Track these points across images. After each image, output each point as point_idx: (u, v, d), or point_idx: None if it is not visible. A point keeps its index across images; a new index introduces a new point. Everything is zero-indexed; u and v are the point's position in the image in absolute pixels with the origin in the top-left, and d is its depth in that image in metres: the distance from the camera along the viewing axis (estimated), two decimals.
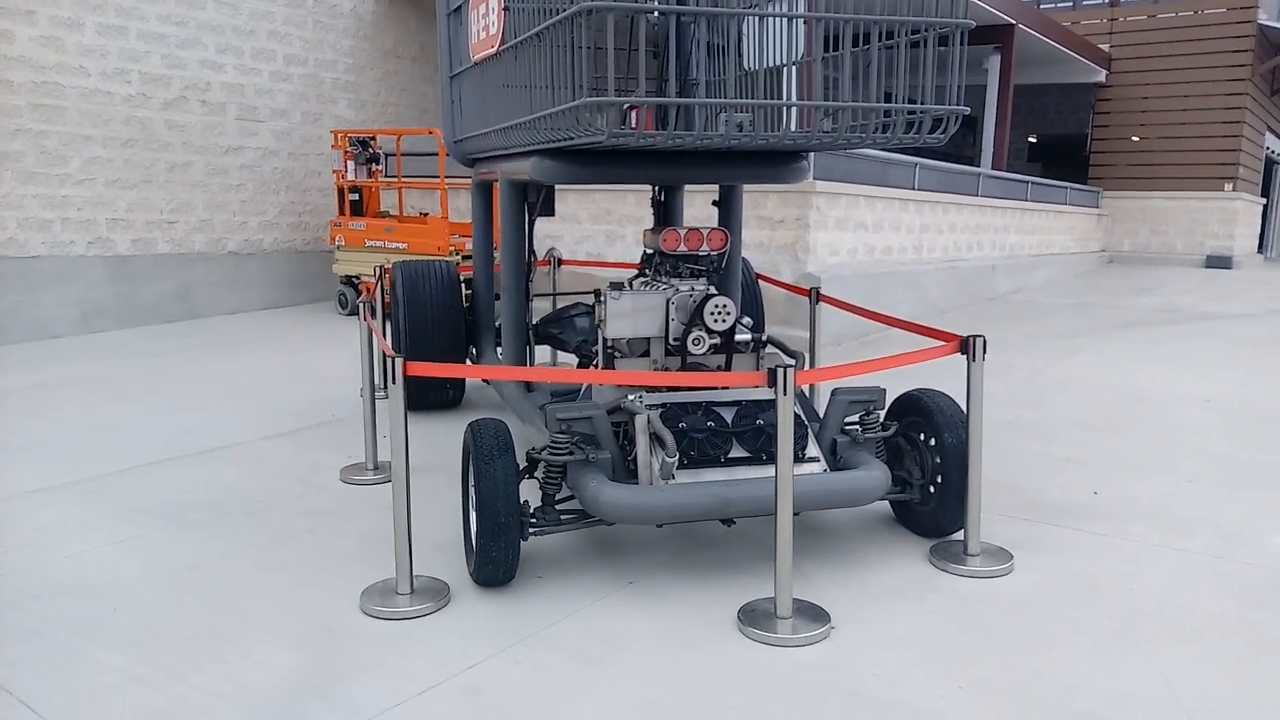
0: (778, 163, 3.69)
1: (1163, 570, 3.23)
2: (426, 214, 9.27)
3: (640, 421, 3.10)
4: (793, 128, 3.27)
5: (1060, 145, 21.37)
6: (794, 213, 7.47)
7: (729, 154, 3.63)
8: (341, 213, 9.11)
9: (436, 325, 5.11)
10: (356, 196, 9.16)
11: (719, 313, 3.42)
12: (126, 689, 2.45)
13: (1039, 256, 12.72)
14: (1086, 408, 5.63)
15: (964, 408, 3.29)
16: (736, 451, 3.19)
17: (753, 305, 5.61)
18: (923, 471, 3.43)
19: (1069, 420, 5.32)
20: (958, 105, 2.87)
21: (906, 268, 8.89)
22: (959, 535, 3.33)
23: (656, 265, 3.74)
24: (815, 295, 4.76)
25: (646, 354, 3.58)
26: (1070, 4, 17.42)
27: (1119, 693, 2.44)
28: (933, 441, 3.39)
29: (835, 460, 3.35)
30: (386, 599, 2.91)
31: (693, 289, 3.55)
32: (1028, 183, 12.41)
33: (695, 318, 3.43)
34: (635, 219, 8.42)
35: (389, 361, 2.85)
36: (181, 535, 3.54)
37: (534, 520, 3.09)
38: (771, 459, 3.18)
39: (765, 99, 3.37)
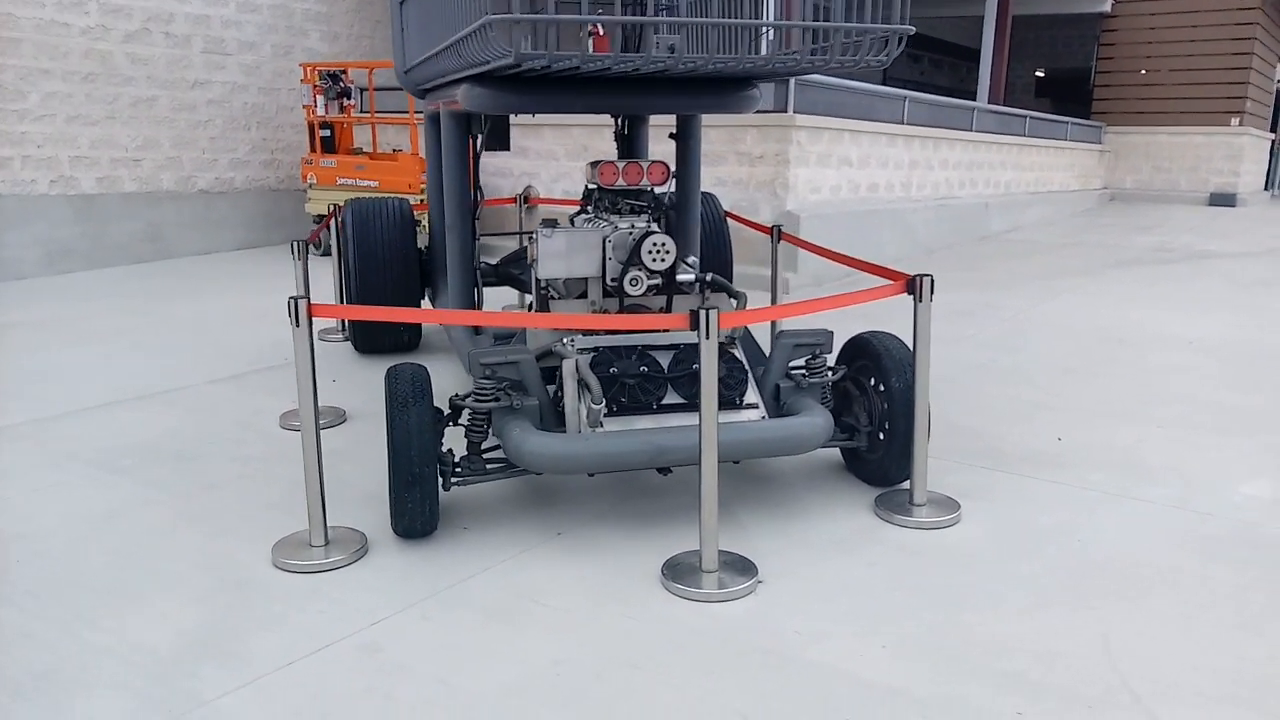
0: (724, 90, 3.47)
1: (1118, 521, 3.10)
2: (399, 150, 9.01)
3: (568, 367, 2.95)
4: (717, 50, 3.04)
5: (1069, 80, 20.83)
6: (773, 148, 7.21)
7: (674, 81, 3.42)
8: (313, 150, 8.86)
9: (387, 265, 4.94)
10: (328, 133, 8.91)
11: (657, 251, 3.23)
12: (12, 645, 2.34)
13: (1036, 194, 12.42)
14: (1066, 351, 5.46)
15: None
16: (671, 398, 3.04)
17: (719, 244, 5.41)
18: (870, 418, 3.28)
19: (1046, 364, 5.16)
20: (901, 24, 2.65)
21: (894, 205, 8.64)
22: (908, 485, 3.19)
23: (596, 201, 3.54)
24: (777, 234, 4.57)
25: (585, 295, 3.41)
26: None
27: (1050, 652, 2.31)
28: (881, 387, 3.23)
29: (779, 406, 3.20)
30: (298, 551, 2.79)
31: (632, 226, 3.36)
32: (1025, 117, 12.05)
33: (633, 257, 3.25)
34: (613, 154, 8.16)
35: (294, 303, 2.69)
36: (108, 482, 3.42)
37: (458, 470, 2.96)
38: None
39: (712, 18, 3.14)
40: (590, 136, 8.30)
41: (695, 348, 3.10)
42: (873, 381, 3.30)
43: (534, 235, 3.26)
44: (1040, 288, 7.60)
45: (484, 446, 3.02)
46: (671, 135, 4.44)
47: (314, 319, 2.76)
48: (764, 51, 2.75)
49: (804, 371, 3.24)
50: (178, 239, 8.88)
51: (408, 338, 5.21)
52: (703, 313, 2.51)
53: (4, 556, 2.83)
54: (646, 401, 3.00)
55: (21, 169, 7.76)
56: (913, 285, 3.00)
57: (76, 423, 4.08)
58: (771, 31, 3.41)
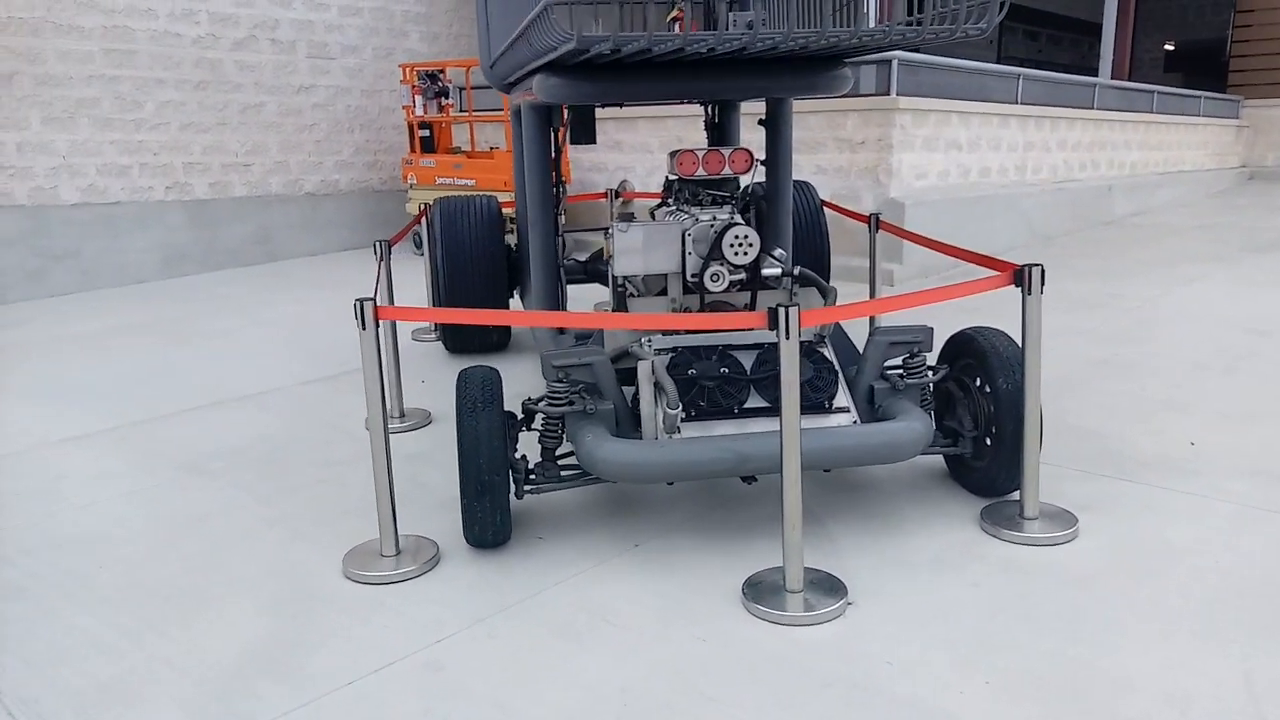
0: (811, 71, 3.24)
1: (1261, 541, 2.75)
2: (495, 148, 9.03)
3: (643, 369, 2.79)
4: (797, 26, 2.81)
5: (1202, 52, 19.49)
6: (875, 133, 6.89)
7: (756, 62, 3.21)
8: (413, 150, 8.96)
9: (474, 264, 4.88)
10: (427, 133, 8.99)
11: (739, 244, 3.04)
12: (83, 655, 2.34)
13: (1165, 175, 11.61)
14: (1196, 343, 5.00)
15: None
16: (755, 401, 2.85)
17: (815, 235, 5.16)
18: (975, 422, 3.02)
19: (1175, 358, 4.73)
20: None
21: (1007, 190, 8.17)
22: (1017, 495, 2.92)
23: (676, 193, 3.37)
24: (875, 223, 4.30)
25: (665, 292, 3.24)
26: None
27: (1182, 693, 2.04)
28: (987, 388, 2.96)
29: (873, 410, 2.97)
30: (369, 561, 2.73)
31: (714, 218, 3.18)
32: (1153, 93, 11.27)
33: (714, 251, 3.07)
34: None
35: (359, 306, 2.61)
36: (196, 485, 3.45)
37: (531, 477, 2.84)
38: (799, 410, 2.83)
39: None
40: (685, 128, 8.12)
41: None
42: (978, 382, 3.04)
43: (609, 230, 3.11)
44: (1169, 275, 7.04)
45: (559, 452, 2.90)
46: (761, 121, 4.24)
47: (383, 321, 2.67)
48: (853, 25, 2.53)
49: (901, 372, 3.00)
50: (286, 241, 9.12)
51: (497, 338, 5.15)
52: (782, 310, 2.32)
53: (90, 561, 2.86)
54: (728, 405, 2.82)
55: (139, 176, 8.08)
56: (1020, 276, 2.72)
57: (175, 425, 4.15)
58: (866, 4, 3.18)
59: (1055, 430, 3.70)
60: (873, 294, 4.45)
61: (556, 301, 4.14)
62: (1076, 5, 21.47)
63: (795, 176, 7.44)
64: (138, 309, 6.91)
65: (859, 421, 2.84)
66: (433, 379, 4.76)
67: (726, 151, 3.19)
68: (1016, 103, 8.33)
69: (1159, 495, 3.08)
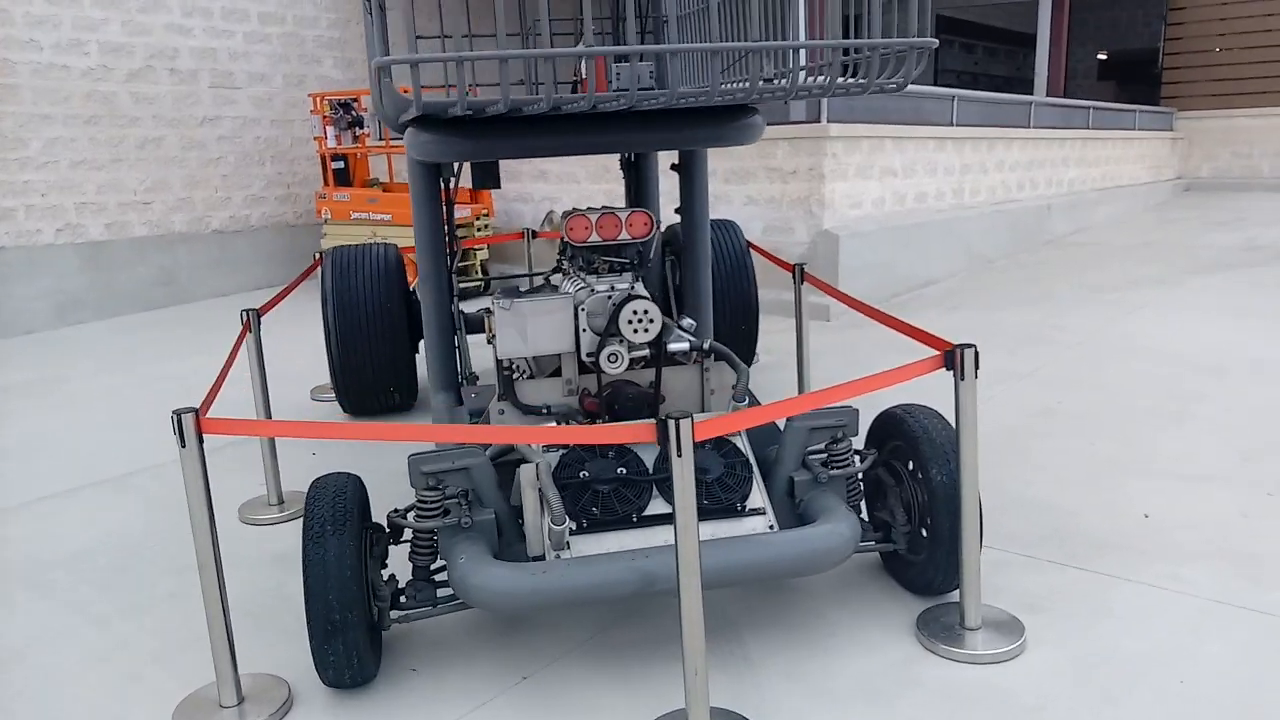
0: (717, 121, 2.89)
1: (1231, 646, 2.44)
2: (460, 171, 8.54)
3: (525, 474, 2.40)
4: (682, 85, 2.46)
5: (1135, 62, 19.68)
6: (806, 162, 6.59)
7: (661, 114, 2.86)
8: (326, 183, 8.49)
9: (370, 321, 4.46)
10: (341, 164, 8.52)
11: (639, 321, 2.67)
12: None
13: (1104, 190, 11.54)
14: (1146, 385, 4.75)
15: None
16: (660, 505, 2.48)
17: (740, 279, 4.83)
18: (909, 514, 2.68)
19: (1124, 405, 4.46)
20: (923, 37, 2.05)
21: (945, 215, 7.94)
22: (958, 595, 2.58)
23: (570, 258, 3.00)
24: (799, 274, 3.96)
25: (559, 372, 2.86)
26: None
27: None
28: (920, 474, 2.62)
29: (794, 505, 2.61)
30: (203, 714, 2.29)
31: (612, 288, 2.81)
32: (1089, 108, 11.19)
33: (612, 326, 2.70)
34: None
35: (177, 419, 2.18)
36: (26, 604, 2.98)
37: (402, 600, 2.44)
38: (706, 514, 2.47)
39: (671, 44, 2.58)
40: (611, 156, 7.76)
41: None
42: (910, 467, 2.70)
43: (489, 307, 2.73)
44: (1112, 303, 6.83)
45: (435, 569, 2.50)
46: (673, 167, 3.89)
47: (207, 434, 2.25)
48: (758, 78, 2.17)
49: (825, 458, 2.65)
50: (193, 282, 8.58)
51: (399, 398, 4.72)
52: (671, 423, 1.94)
53: None
54: (626, 513, 2.44)
55: (25, 219, 7.50)
56: (952, 359, 2.39)
57: (20, 521, 3.67)
58: (793, 57, 2.84)
59: (999, 502, 3.38)
60: (801, 350, 4.10)
61: (452, 362, 3.74)
62: (1012, 18, 21.62)
63: (724, 210, 7.14)
64: (15, 366, 6.34)
65: (775, 526, 2.48)
66: (325, 448, 4.32)
67: (623, 214, 2.82)
68: (952, 124, 8.11)
69: (1113, 588, 2.76)
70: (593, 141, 2.85)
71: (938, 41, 2.07)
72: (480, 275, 8.11)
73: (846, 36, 2.19)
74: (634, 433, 2.02)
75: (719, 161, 7.02)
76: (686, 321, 3.03)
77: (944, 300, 7.11)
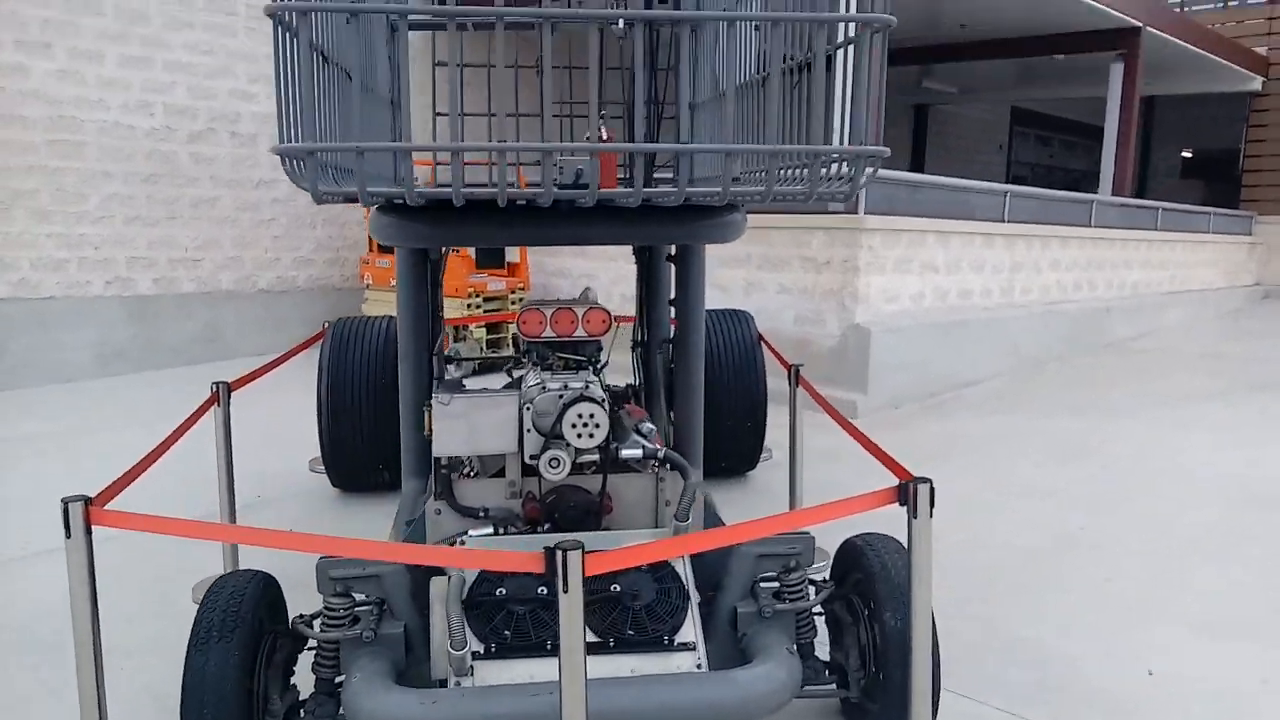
0: (697, 218, 2.75)
1: None
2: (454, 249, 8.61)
3: (436, 587, 2.23)
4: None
5: (1221, 160, 19.14)
6: (841, 253, 6.41)
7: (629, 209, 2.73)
8: (370, 249, 8.59)
9: (363, 397, 4.37)
10: None
11: (583, 425, 2.51)
12: None
13: (1172, 294, 11.06)
14: (1184, 514, 4.37)
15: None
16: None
17: (749, 372, 4.63)
18: (862, 657, 2.42)
19: (1157, 534, 4.10)
20: (872, 145, 1.89)
21: (991, 313, 7.64)
22: None
23: (526, 351, 2.86)
24: (794, 376, 3.76)
25: (504, 473, 2.70)
26: (1221, 4, 15.47)
27: None
28: (875, 615, 2.37)
29: (737, 639, 2.38)
30: None
31: (565, 387, 2.65)
32: (1157, 209, 10.79)
33: (557, 428, 2.54)
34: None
35: (66, 508, 2.08)
36: None
37: (301, 715, 2.27)
38: (629, 646, 2.26)
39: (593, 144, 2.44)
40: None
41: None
42: (873, 606, 2.45)
43: (430, 401, 2.59)
44: (1167, 417, 6.43)
45: (339, 681, 2.33)
46: (670, 259, 3.76)
47: (97, 527, 2.14)
48: (774, 180, 2.03)
49: (777, 589, 2.42)
50: (236, 339, 8.70)
51: (389, 476, 4.60)
52: (559, 554, 1.76)
53: None
54: (539, 640, 2.24)
55: (77, 271, 7.72)
56: (905, 493, 2.16)
57: None
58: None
59: (988, 643, 3.08)
60: (794, 462, 3.86)
61: (425, 447, 3.61)
62: (1092, 112, 21.31)
63: (758, 297, 6.98)
64: (40, 416, 6.44)
65: (703, 665, 2.25)
66: (311, 521, 4.22)
67: (580, 310, 2.69)
68: (1003, 220, 7.86)
69: None
70: (564, 233, 2.73)
71: (889, 151, 1.90)
72: (514, 350, 8.02)
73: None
74: (520, 561, 1.84)
75: (753, 247, 6.89)
76: (646, 427, 2.86)
77: (984, 403, 6.78)
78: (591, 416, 2.52)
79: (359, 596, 2.31)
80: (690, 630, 2.32)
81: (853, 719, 2.55)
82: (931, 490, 2.16)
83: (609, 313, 2.70)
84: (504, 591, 2.29)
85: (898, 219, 6.60)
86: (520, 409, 2.58)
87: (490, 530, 2.60)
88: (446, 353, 8.62)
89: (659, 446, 2.72)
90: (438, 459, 2.62)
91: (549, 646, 2.24)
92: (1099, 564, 3.76)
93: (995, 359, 7.58)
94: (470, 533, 2.59)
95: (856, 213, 6.34)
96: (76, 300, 7.74)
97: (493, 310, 7.92)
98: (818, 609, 2.50)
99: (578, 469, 2.67)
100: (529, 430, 2.58)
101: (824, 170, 1.94)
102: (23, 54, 7.28)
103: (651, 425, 2.89)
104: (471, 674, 2.18)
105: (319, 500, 4.59)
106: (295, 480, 4.91)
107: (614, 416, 2.90)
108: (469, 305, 7.68)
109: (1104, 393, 7.18)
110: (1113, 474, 5.02)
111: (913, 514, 2.15)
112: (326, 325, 4.75)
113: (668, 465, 2.67)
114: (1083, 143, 23.41)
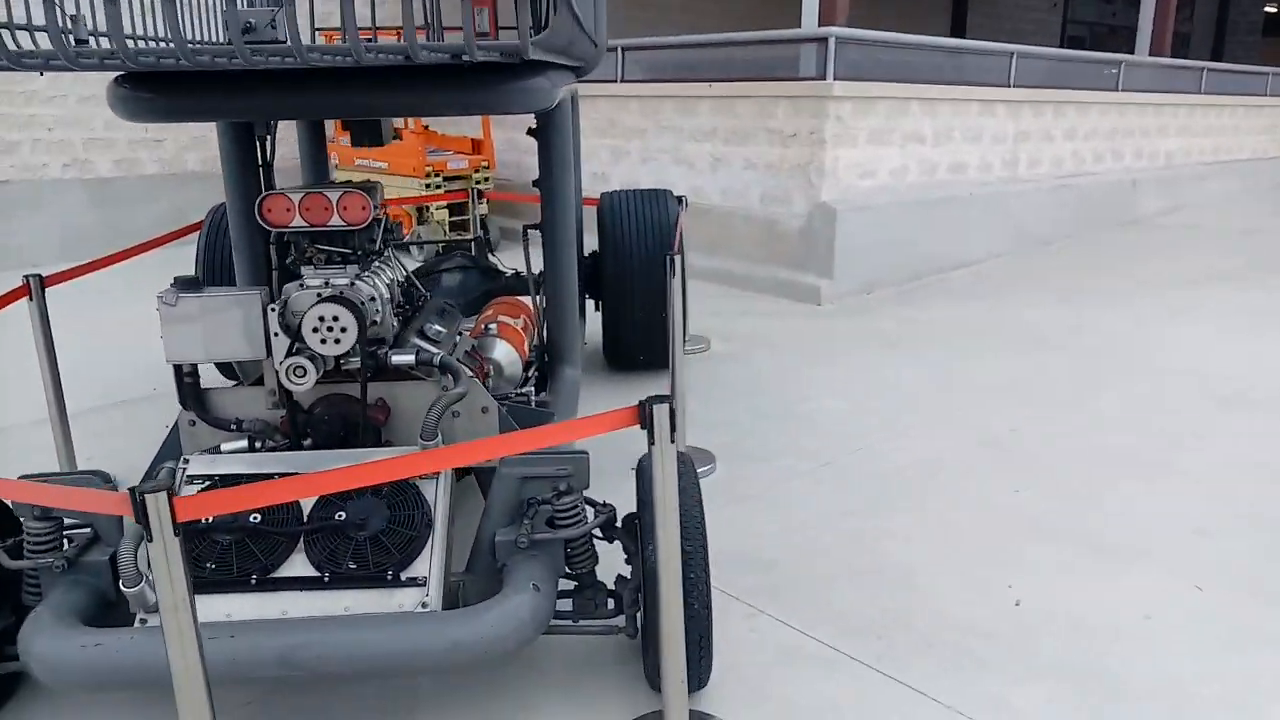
0: (480, 84, 2.33)
1: None
2: (400, 129, 8.13)
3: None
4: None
5: None
6: (807, 124, 5.85)
7: (397, 72, 2.32)
8: (336, 128, 8.18)
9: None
10: None
11: (326, 330, 2.19)
12: None
13: (1215, 164, 10.14)
14: (1138, 416, 3.93)
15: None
16: (298, 566, 2.01)
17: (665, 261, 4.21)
18: (636, 591, 2.12)
19: (1093, 440, 3.68)
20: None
21: (990, 189, 7.02)
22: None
23: (284, 244, 2.51)
24: (669, 263, 3.34)
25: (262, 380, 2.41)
26: None
27: None
28: (644, 545, 2.06)
29: (498, 574, 2.10)
30: None
31: (326, 284, 2.32)
32: (1201, 69, 9.78)
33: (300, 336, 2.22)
34: (639, 131, 7.00)
35: None
36: None
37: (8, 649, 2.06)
38: (346, 581, 1.99)
39: None
40: (615, 109, 7.16)
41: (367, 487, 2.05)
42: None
43: (159, 301, 2.28)
44: (1163, 303, 5.86)
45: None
46: (530, 131, 3.33)
47: None
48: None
49: (548, 509, 2.12)
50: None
51: None
52: (141, 495, 1.46)
53: None
54: (244, 573, 1.98)
55: (31, 153, 7.50)
56: (644, 416, 1.80)
57: None
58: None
59: (851, 564, 2.76)
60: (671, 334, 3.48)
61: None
62: None
63: (723, 175, 6.45)
64: None
65: (427, 604, 1.96)
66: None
67: (333, 195, 2.32)
68: (1008, 85, 7.12)
69: (911, 712, 2.14)
70: (316, 103, 2.36)
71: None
72: (481, 231, 7.61)
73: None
74: (95, 501, 1.55)
75: (719, 119, 6.34)
76: (434, 328, 2.52)
77: (968, 288, 6.27)
78: (336, 319, 2.19)
79: (70, 521, 2.07)
80: (424, 564, 2.03)
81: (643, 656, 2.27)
82: (672, 412, 1.80)
83: (366, 196, 2.32)
84: (209, 520, 2.02)
85: (872, 85, 5.97)
86: (264, 310, 2.25)
87: (244, 444, 2.32)
88: (407, 237, 8.25)
89: (436, 351, 2.40)
90: (178, 367, 2.32)
91: (253, 581, 1.98)
92: (1012, 473, 3.37)
93: (993, 239, 7.00)
94: (223, 447, 2.33)
95: (824, 78, 5.73)
96: (33, 184, 7.55)
97: (456, 190, 7.51)
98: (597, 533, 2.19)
99: (350, 376, 2.37)
100: (276, 335, 2.26)
101: None
102: None
103: (441, 328, 2.56)
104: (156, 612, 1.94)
105: None
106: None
107: (403, 318, 2.58)
108: (427, 185, 7.28)
109: (1105, 276, 6.59)
110: (1074, 370, 4.56)
111: (650, 439, 1.80)
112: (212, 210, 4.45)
113: (441, 370, 2.35)
114: None
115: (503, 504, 2.13)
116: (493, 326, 3.22)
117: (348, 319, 2.19)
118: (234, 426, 2.35)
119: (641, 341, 4.32)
